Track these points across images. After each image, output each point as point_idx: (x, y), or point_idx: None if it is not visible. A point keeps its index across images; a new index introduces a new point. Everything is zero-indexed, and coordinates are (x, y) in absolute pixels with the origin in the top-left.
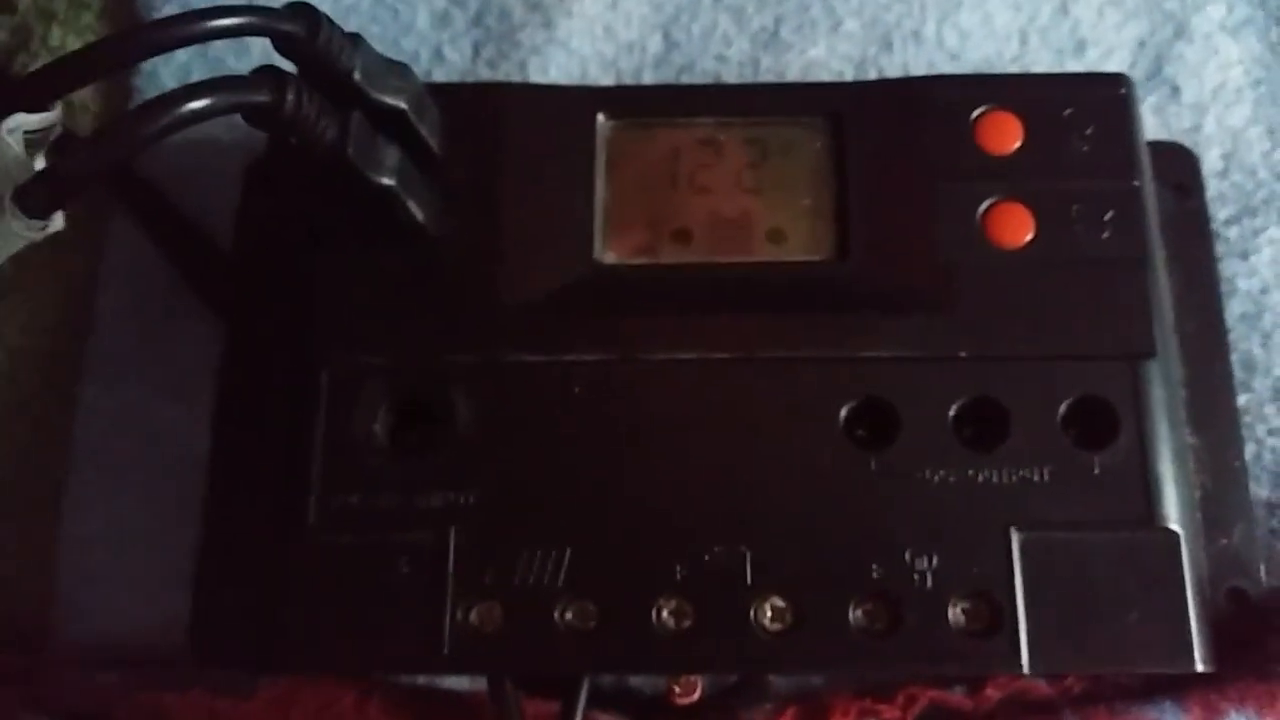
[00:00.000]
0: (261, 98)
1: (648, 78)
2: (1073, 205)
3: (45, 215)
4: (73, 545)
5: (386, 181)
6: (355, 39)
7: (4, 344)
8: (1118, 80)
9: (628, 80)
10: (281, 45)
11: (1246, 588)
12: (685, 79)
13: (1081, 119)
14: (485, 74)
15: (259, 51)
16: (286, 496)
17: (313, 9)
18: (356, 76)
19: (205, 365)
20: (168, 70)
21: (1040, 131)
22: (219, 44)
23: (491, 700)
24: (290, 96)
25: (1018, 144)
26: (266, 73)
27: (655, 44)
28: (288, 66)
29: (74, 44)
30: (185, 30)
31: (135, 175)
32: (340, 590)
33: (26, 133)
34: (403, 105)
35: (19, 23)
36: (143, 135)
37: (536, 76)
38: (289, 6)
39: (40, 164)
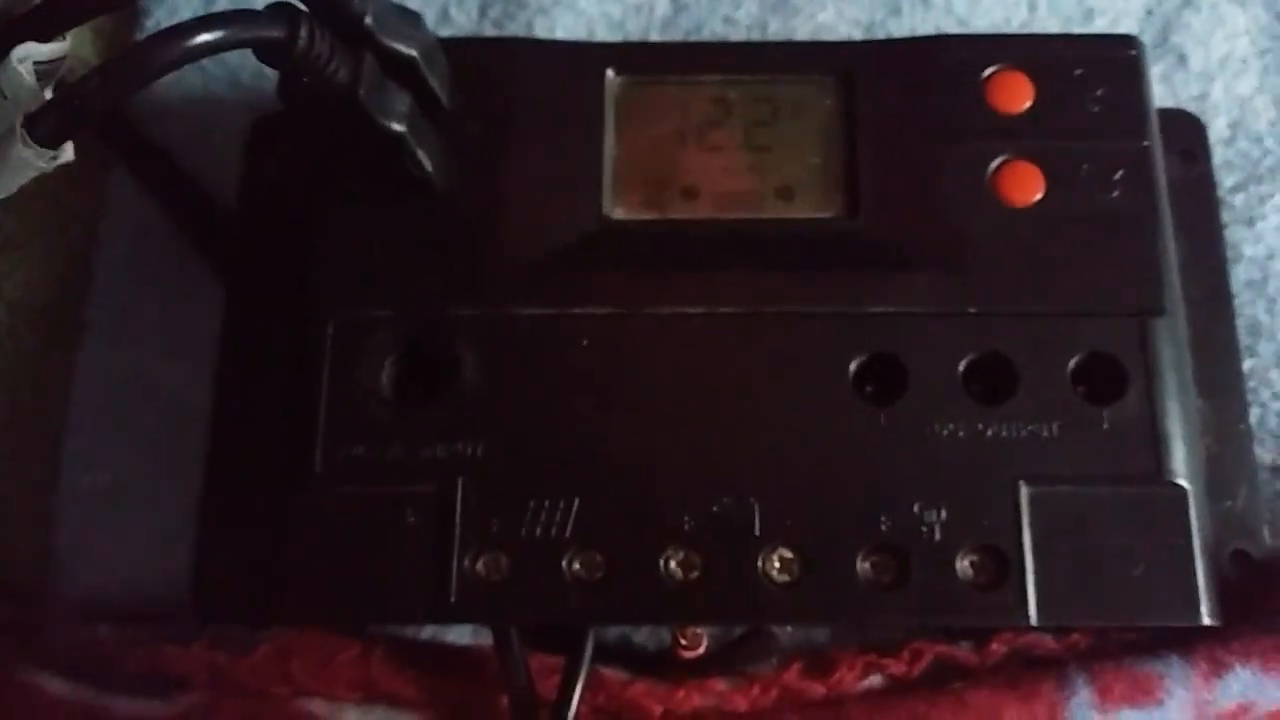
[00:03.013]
0: (274, 33)
1: (655, 38)
2: (1082, 164)
3: (55, 145)
4: (72, 500)
5: (397, 127)
6: None
7: (4, 299)
8: (1128, 41)
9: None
10: None
11: (1251, 550)
12: (693, 40)
13: (1092, 79)
14: (492, 34)
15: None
16: (293, 448)
17: None
18: (368, 21)
19: (206, 322)
20: (170, 21)
21: (1051, 91)
22: None
23: (496, 653)
24: (303, 33)
25: (1028, 103)
26: (280, 8)
27: (663, 6)
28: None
29: None
30: None
31: (138, 132)
32: (347, 541)
33: (36, 63)
34: (414, 53)
35: None
36: (154, 65)
37: (543, 35)
38: None
39: (50, 94)
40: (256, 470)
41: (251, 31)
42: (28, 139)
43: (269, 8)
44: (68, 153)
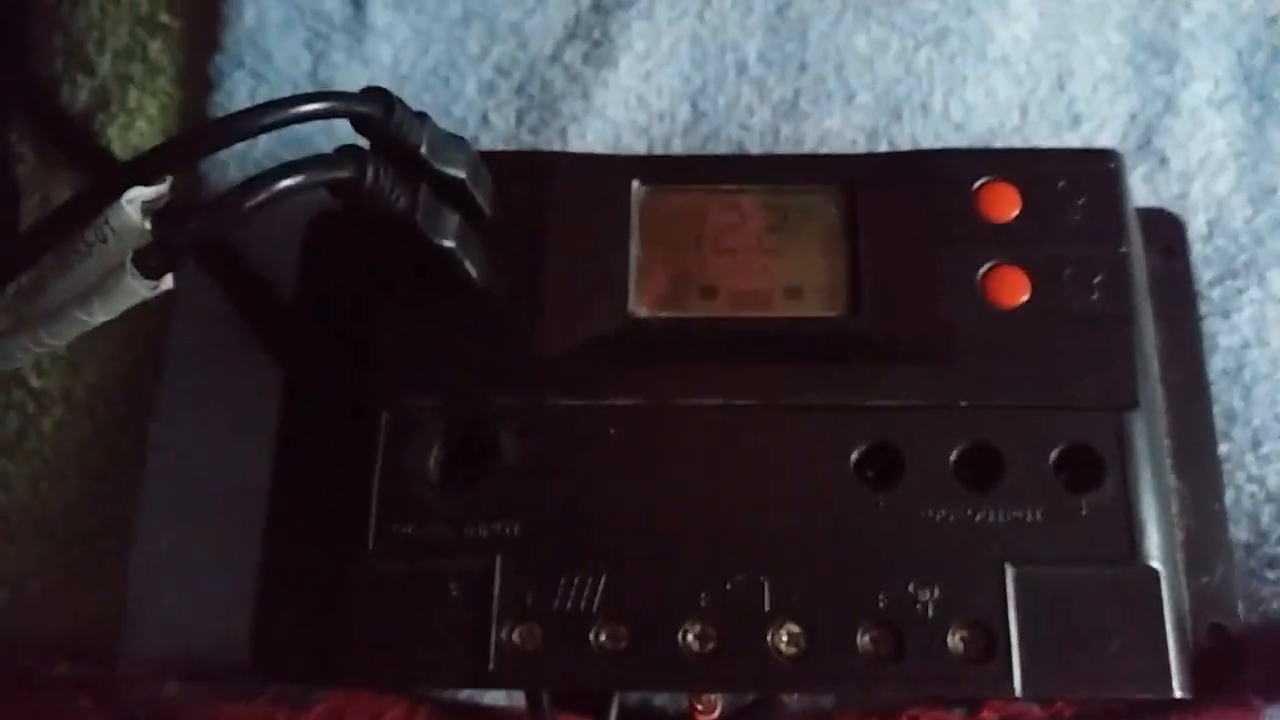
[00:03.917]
0: (346, 174)
1: (677, 144)
2: (1065, 269)
3: (159, 277)
4: (143, 566)
5: (448, 244)
6: (423, 117)
7: (84, 380)
8: (1108, 155)
9: (658, 146)
10: (359, 125)
11: (1226, 624)
12: (711, 146)
13: (1075, 190)
14: (528, 139)
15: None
16: (347, 525)
17: (387, 93)
18: (423, 150)
19: (266, 404)
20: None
21: (1037, 201)
22: None
23: (530, 714)
24: (370, 171)
25: (1016, 212)
26: (349, 151)
27: (684, 113)
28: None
29: (150, 105)
30: (277, 115)
31: None
32: (396, 611)
33: (143, 203)
34: (462, 175)
35: (98, 85)
36: (247, 208)
37: (575, 141)
38: (366, 91)
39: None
40: (311, 543)
41: (327, 174)
42: (136, 273)
43: (339, 151)
44: (168, 282)
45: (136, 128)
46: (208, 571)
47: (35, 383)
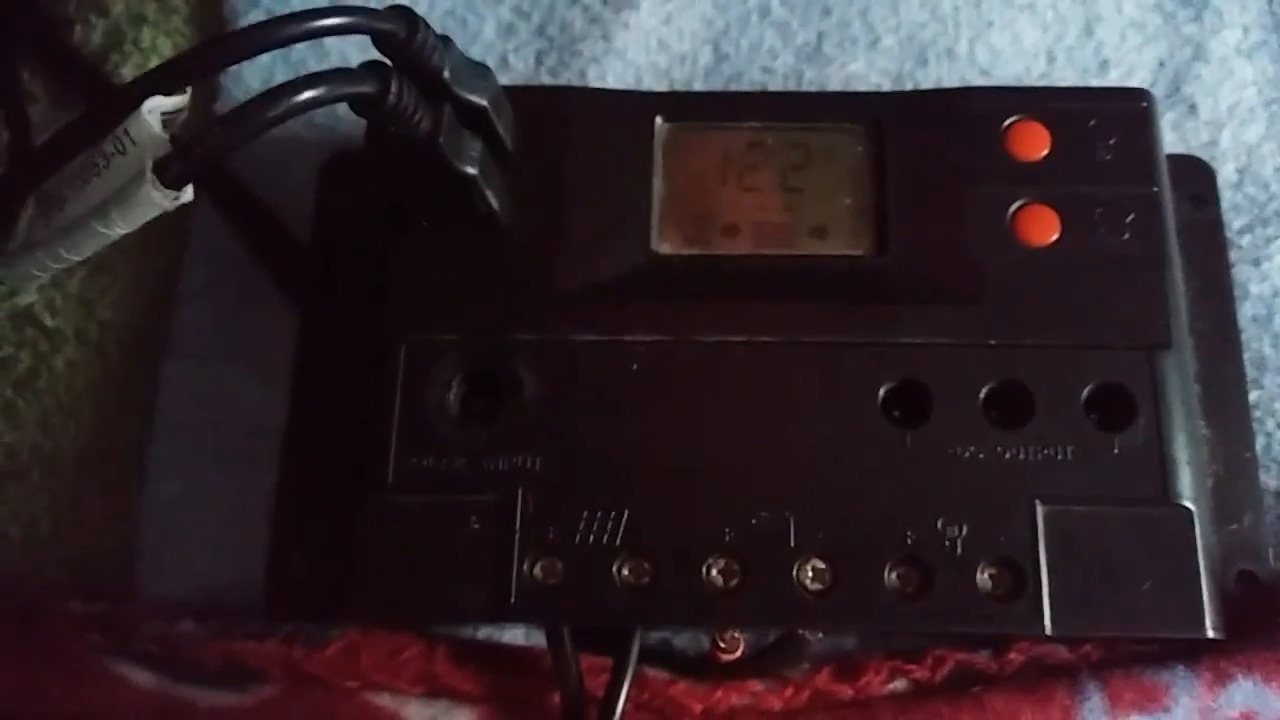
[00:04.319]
0: (368, 88)
1: (698, 87)
2: (1095, 208)
3: (179, 187)
4: (155, 507)
5: (470, 170)
6: (446, 41)
7: (95, 318)
8: (1139, 94)
9: (679, 89)
10: (381, 43)
11: (1256, 570)
12: (733, 89)
13: (1105, 129)
14: (547, 81)
15: (337, 56)
16: (366, 460)
17: (411, 11)
18: (446, 75)
19: (279, 343)
20: (251, 69)
21: (1067, 140)
22: (301, 46)
23: (550, 652)
24: (393, 88)
25: (1045, 151)
26: (373, 66)
27: (706, 56)
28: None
29: (164, 45)
30: (298, 28)
31: (220, 167)
32: (416, 546)
33: (163, 114)
34: (484, 103)
35: (112, 25)
36: (267, 118)
37: (595, 83)
38: (390, 8)
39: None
40: (327, 480)
41: (350, 88)
42: (157, 182)
43: (363, 66)
44: (188, 194)
45: (150, 67)
46: (221, 510)
47: (48, 321)
